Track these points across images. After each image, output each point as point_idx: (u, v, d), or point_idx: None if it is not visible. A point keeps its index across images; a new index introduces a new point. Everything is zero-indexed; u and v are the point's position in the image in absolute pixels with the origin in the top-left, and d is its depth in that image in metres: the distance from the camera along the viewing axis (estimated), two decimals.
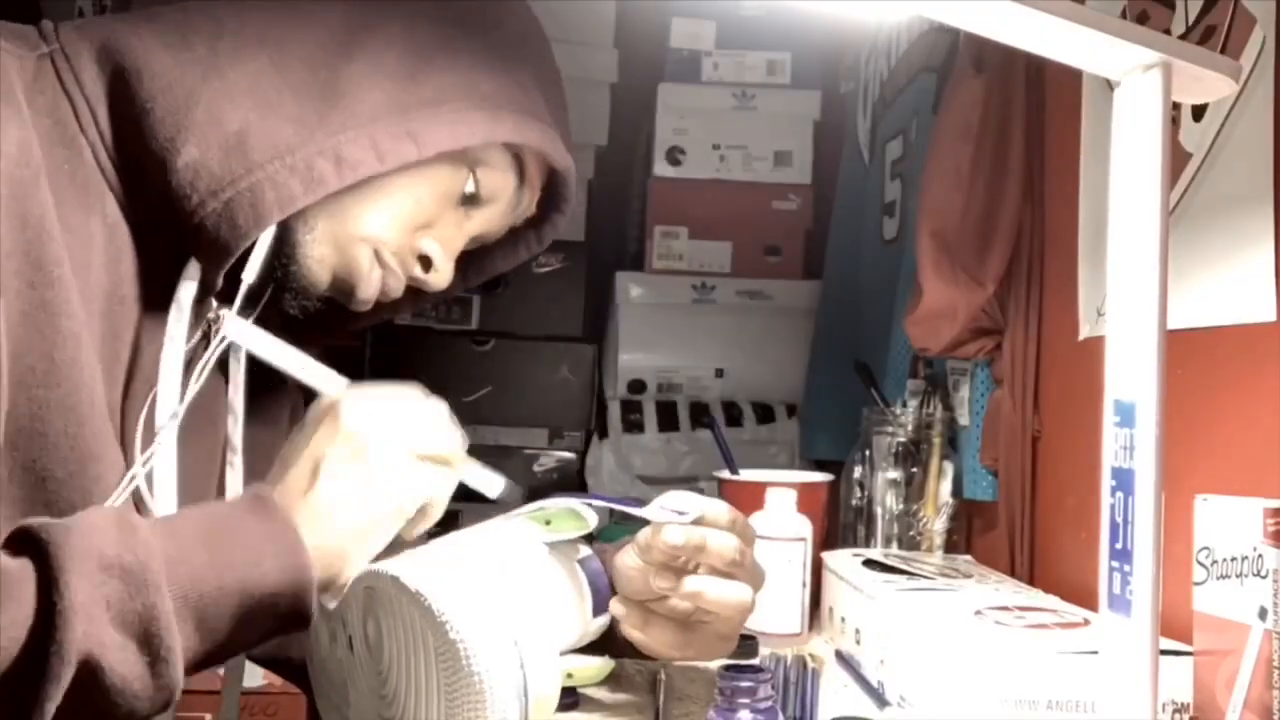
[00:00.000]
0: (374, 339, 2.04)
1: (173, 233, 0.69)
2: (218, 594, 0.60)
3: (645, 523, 0.79)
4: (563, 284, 2.07)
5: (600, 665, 0.85)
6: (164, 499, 0.70)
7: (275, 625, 0.63)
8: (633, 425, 1.97)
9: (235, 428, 0.77)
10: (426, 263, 0.79)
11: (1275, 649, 0.64)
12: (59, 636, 0.54)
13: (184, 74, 0.69)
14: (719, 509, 0.80)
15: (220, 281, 0.71)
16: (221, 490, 0.78)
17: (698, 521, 0.78)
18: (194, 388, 0.72)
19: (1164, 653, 0.73)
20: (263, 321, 0.76)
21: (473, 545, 0.74)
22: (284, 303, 0.76)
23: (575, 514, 0.79)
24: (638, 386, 1.98)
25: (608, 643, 0.85)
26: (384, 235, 0.76)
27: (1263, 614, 0.65)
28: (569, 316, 2.08)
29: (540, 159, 0.81)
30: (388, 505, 0.67)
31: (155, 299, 0.71)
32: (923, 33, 1.49)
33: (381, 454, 0.68)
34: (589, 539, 0.83)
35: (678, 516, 0.78)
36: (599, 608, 0.80)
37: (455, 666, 0.63)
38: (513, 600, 0.67)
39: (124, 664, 0.57)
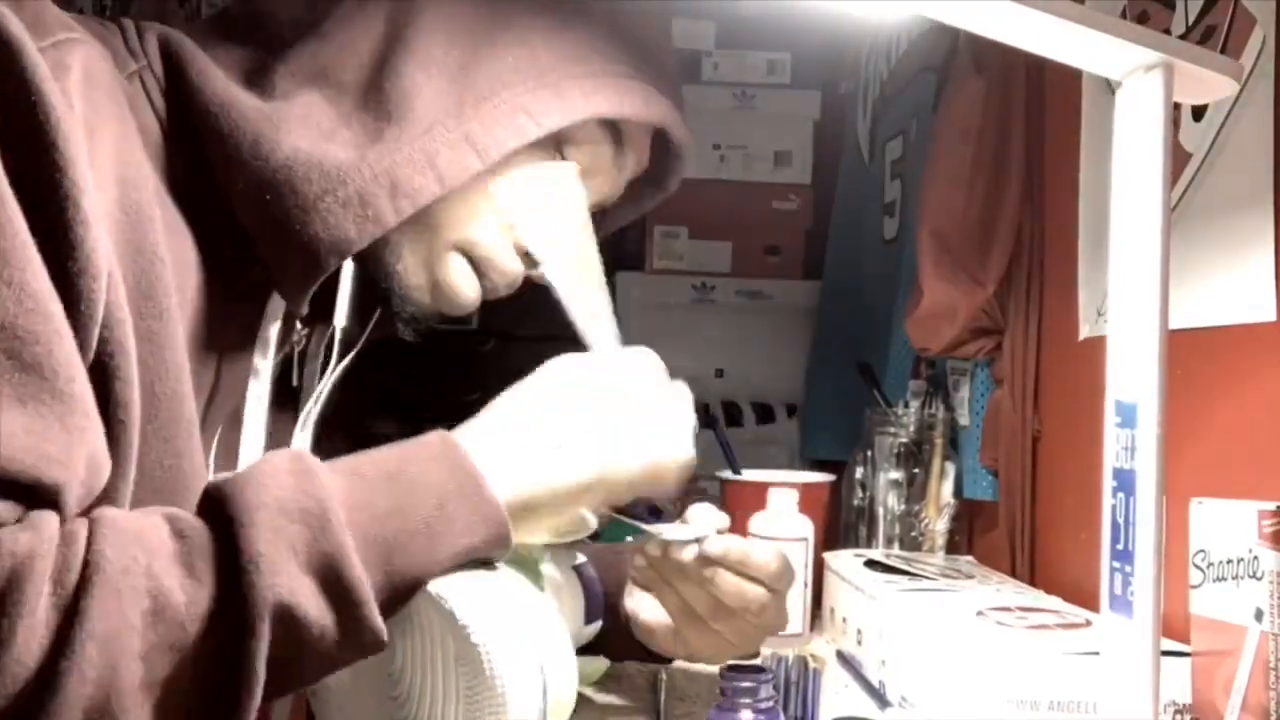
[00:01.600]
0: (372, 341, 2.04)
1: (245, 263, 0.67)
2: (405, 541, 0.58)
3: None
4: None
5: (596, 665, 0.85)
6: None
7: (466, 563, 0.61)
8: None
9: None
10: (531, 259, 0.74)
11: (1272, 650, 0.64)
12: (246, 589, 0.53)
13: (238, 101, 0.65)
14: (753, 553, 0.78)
15: (305, 311, 0.69)
16: None
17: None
18: (313, 406, 0.71)
19: (1165, 653, 0.73)
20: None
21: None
22: (399, 331, 0.74)
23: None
24: None
25: (605, 645, 0.85)
26: (475, 238, 0.71)
27: (1259, 616, 0.65)
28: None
29: (630, 115, 0.73)
30: (588, 472, 0.66)
31: (236, 327, 0.69)
32: (923, 33, 1.49)
33: (624, 394, 0.68)
34: (593, 537, 0.83)
35: (692, 538, 0.77)
36: (591, 615, 0.80)
37: (476, 671, 0.63)
38: (531, 605, 0.67)
39: (319, 610, 0.55)
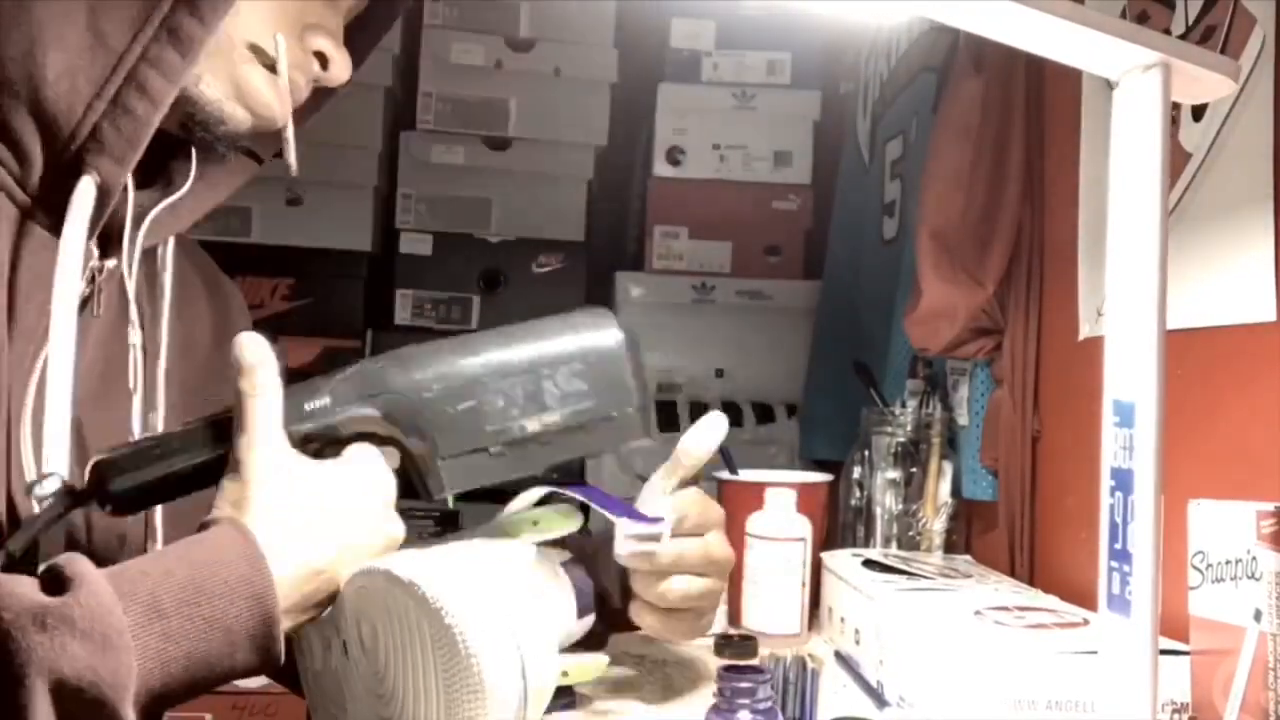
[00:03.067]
0: (373, 339, 2.04)
1: (30, 169, 0.66)
2: (182, 678, 0.57)
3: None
4: (563, 284, 2.08)
5: (595, 662, 0.85)
6: (57, 458, 0.65)
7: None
8: None
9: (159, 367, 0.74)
10: (323, 60, 0.76)
11: (1270, 651, 0.64)
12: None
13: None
14: (689, 513, 0.80)
15: (127, 181, 0.68)
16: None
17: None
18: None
19: (1163, 653, 0.73)
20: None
21: (462, 543, 0.74)
22: (215, 157, 0.74)
23: (562, 514, 0.79)
24: None
25: (603, 633, 0.85)
26: (264, 43, 0.73)
27: (1257, 616, 0.65)
28: None
29: None
30: (332, 551, 0.64)
31: (26, 245, 0.67)
32: (923, 33, 1.49)
33: (349, 515, 0.65)
34: (582, 531, 0.83)
35: (649, 533, 0.79)
36: (582, 610, 0.80)
37: (452, 653, 0.63)
38: (506, 588, 0.67)
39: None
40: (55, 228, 0.67)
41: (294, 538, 0.62)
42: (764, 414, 1.97)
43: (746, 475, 1.31)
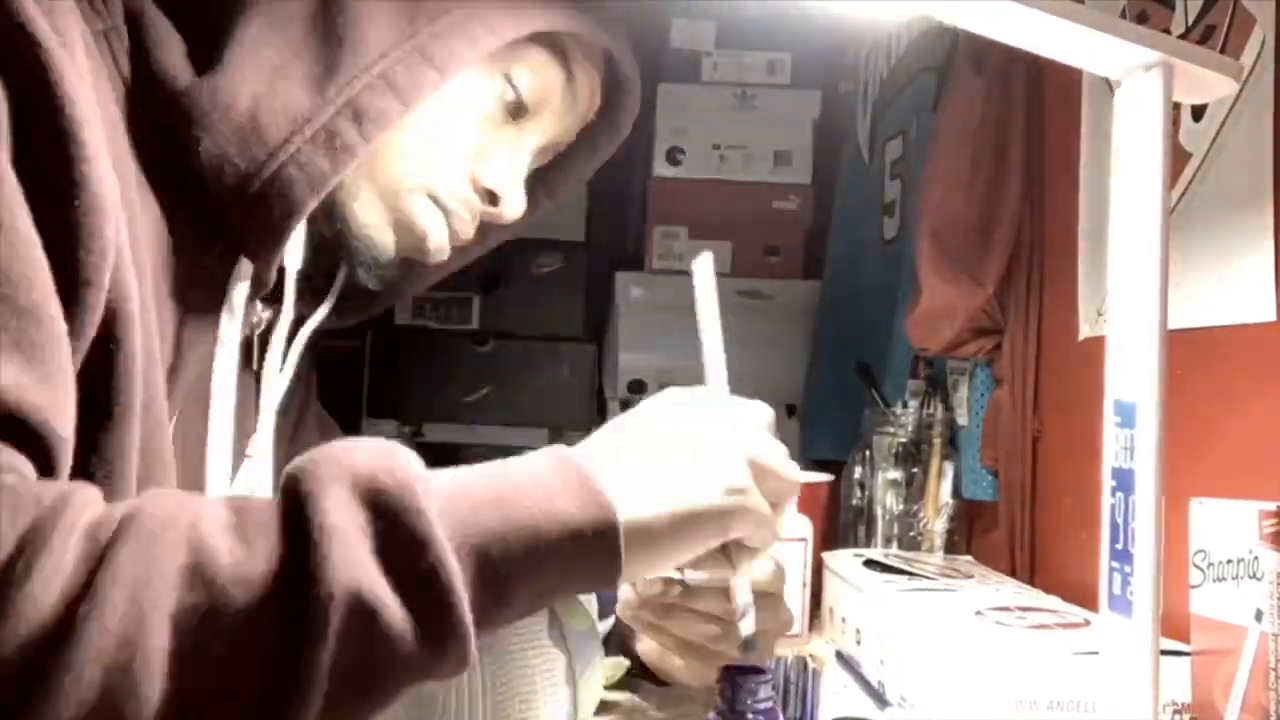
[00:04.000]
0: (373, 339, 2.04)
1: (205, 229, 0.65)
2: (503, 530, 0.48)
3: None
4: (563, 284, 2.08)
5: (616, 666, 0.85)
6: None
7: (578, 572, 0.51)
8: None
9: (267, 427, 0.74)
10: (492, 196, 0.73)
11: (1271, 651, 0.64)
12: (313, 567, 0.44)
13: (185, 60, 0.64)
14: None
15: (274, 276, 0.68)
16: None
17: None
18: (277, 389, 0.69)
19: (1164, 653, 0.73)
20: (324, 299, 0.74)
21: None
22: (360, 279, 0.72)
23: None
24: (638, 386, 1.98)
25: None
26: (433, 178, 0.70)
27: (1259, 616, 0.65)
28: (569, 316, 2.08)
29: (582, 41, 0.73)
30: (715, 498, 0.56)
31: (197, 297, 0.66)
32: (923, 32, 1.49)
33: (713, 439, 0.58)
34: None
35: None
36: (604, 611, 0.80)
37: (504, 659, 0.62)
38: None
39: (398, 606, 0.45)
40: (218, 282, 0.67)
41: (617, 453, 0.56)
42: None
43: None
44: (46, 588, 0.42)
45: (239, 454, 0.75)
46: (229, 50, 0.64)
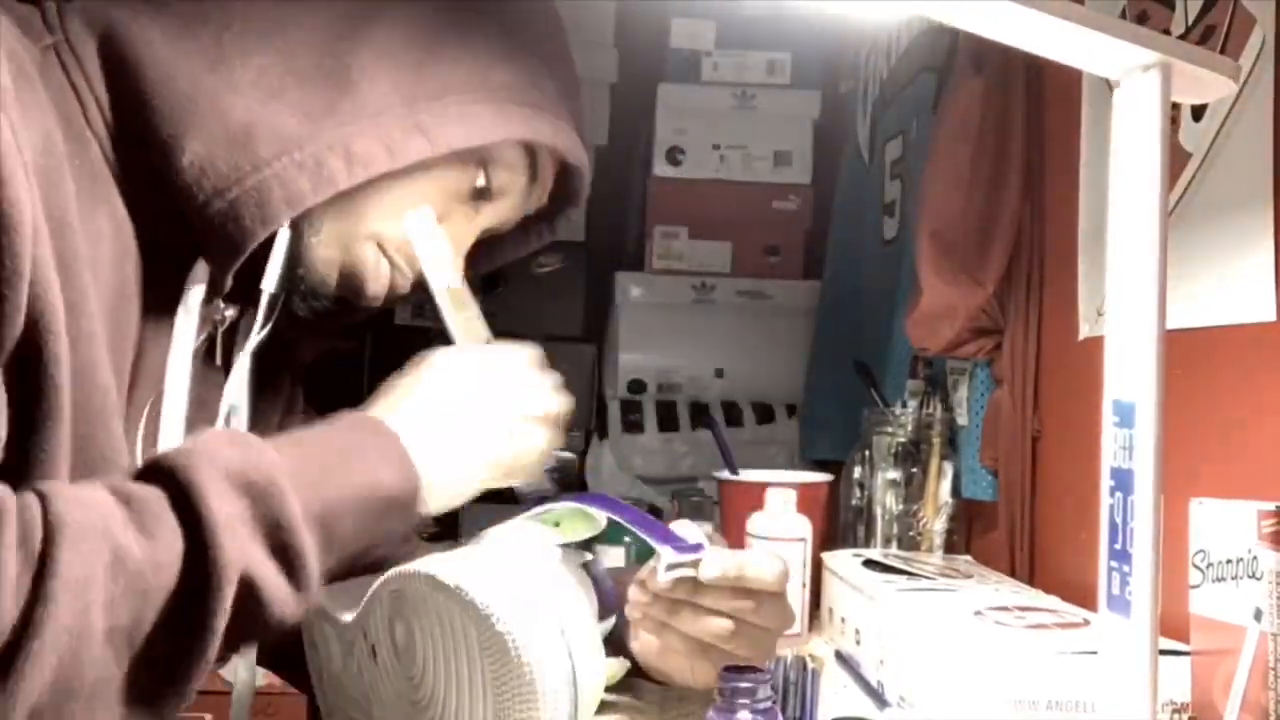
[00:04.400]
0: (374, 339, 2.04)
1: (177, 231, 0.67)
2: (339, 504, 0.61)
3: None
4: (563, 284, 2.08)
5: (619, 666, 0.84)
6: None
7: (389, 529, 0.65)
8: (633, 425, 1.97)
9: (240, 424, 0.76)
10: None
11: (1271, 650, 0.64)
12: (214, 555, 0.54)
13: (188, 65, 0.66)
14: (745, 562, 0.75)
15: (229, 282, 0.69)
16: None
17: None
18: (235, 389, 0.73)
19: (1163, 653, 0.73)
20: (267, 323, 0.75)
21: (495, 546, 0.73)
22: (293, 305, 0.74)
23: (585, 515, 0.78)
24: (638, 386, 1.98)
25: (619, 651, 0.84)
26: (390, 233, 0.74)
27: (1258, 615, 0.65)
28: (569, 316, 2.08)
29: (554, 152, 0.79)
30: (486, 446, 0.70)
31: (159, 298, 0.69)
32: (923, 32, 1.49)
33: (484, 397, 0.71)
34: (591, 542, 0.82)
35: (689, 560, 0.74)
36: (605, 612, 0.80)
37: (503, 659, 0.62)
38: (553, 592, 0.66)
39: (272, 576, 0.57)
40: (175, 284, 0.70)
41: (410, 412, 0.69)
42: (764, 414, 1.97)
43: (746, 475, 1.31)
44: (3, 604, 0.50)
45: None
46: (234, 65, 0.67)
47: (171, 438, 0.69)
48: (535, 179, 0.80)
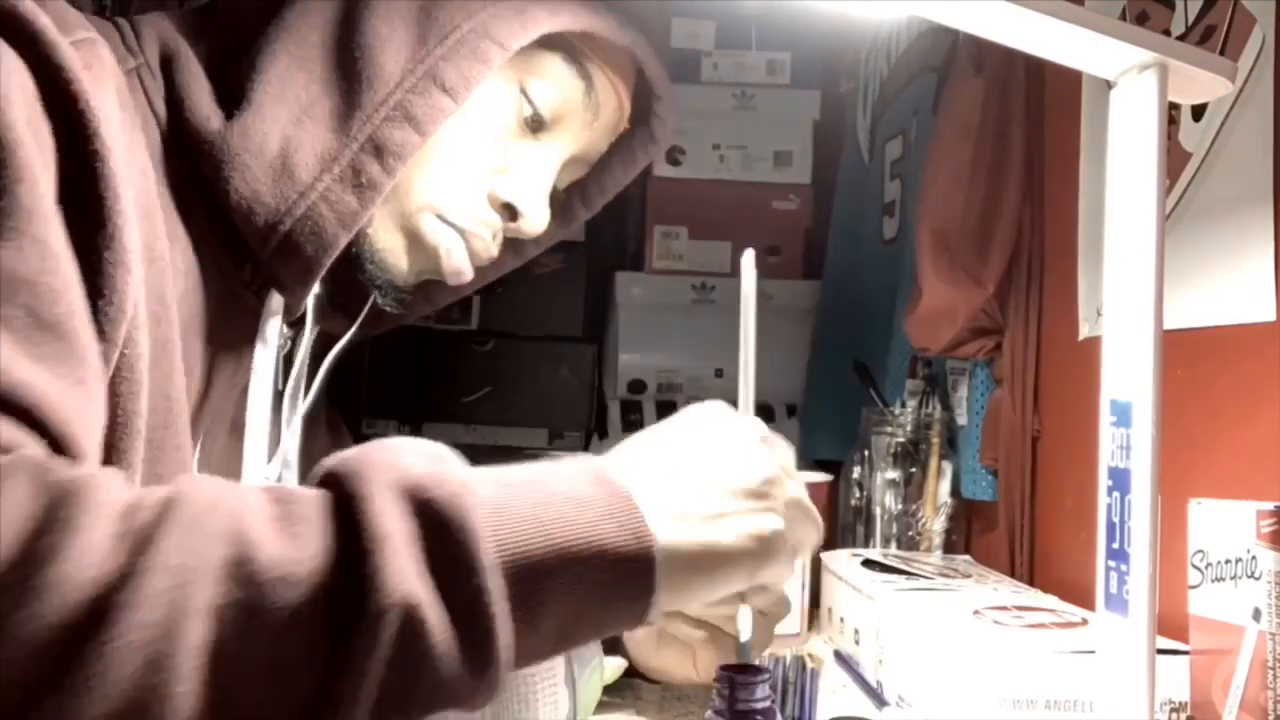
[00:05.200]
0: (373, 339, 2.04)
1: (239, 266, 0.67)
2: (545, 554, 0.45)
3: None
4: (563, 284, 2.07)
5: (615, 666, 0.84)
6: None
7: (610, 601, 0.48)
8: (633, 425, 1.97)
9: (293, 446, 0.75)
10: (512, 210, 0.72)
11: (1270, 650, 0.64)
12: (370, 575, 0.41)
13: (216, 105, 0.65)
14: None
15: (303, 307, 0.69)
16: None
17: None
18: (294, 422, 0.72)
19: (1162, 652, 0.73)
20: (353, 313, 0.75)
21: None
22: (379, 303, 0.73)
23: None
24: (638, 386, 1.98)
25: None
26: (447, 199, 0.70)
27: (1257, 615, 0.65)
28: (569, 316, 2.08)
29: (596, 43, 0.72)
30: (743, 539, 0.53)
31: (225, 331, 0.67)
32: (922, 32, 1.49)
33: (768, 477, 0.56)
34: None
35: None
36: None
37: None
38: None
39: (445, 625, 0.42)
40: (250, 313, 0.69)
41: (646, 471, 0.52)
42: (764, 414, 1.97)
43: None
44: (78, 569, 0.38)
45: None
46: (258, 89, 0.65)
47: (256, 468, 0.68)
48: (593, 83, 0.73)
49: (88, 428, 0.48)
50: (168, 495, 0.42)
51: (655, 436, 0.56)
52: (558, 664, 0.63)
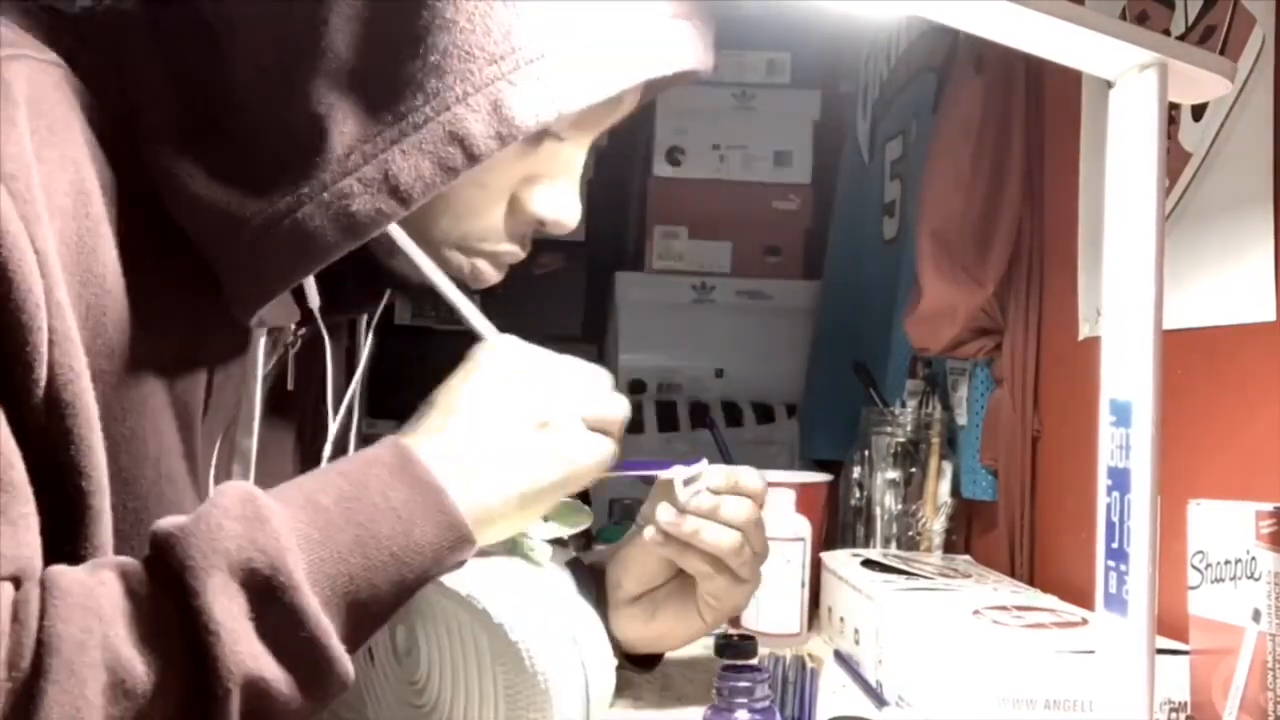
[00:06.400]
0: (374, 339, 2.04)
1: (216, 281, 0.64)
2: (368, 572, 0.54)
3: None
4: (563, 284, 2.08)
5: (575, 510, 0.85)
6: None
7: (432, 578, 0.58)
8: (633, 425, 1.96)
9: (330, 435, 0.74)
10: (542, 221, 0.70)
11: (1269, 651, 0.64)
12: (211, 663, 0.50)
13: (185, 111, 0.60)
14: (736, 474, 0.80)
15: (294, 314, 0.67)
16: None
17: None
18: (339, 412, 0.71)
19: (1162, 652, 0.73)
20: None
21: (494, 550, 0.73)
22: (404, 297, 0.73)
23: (574, 508, 0.79)
24: (638, 386, 1.98)
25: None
26: (464, 233, 0.68)
27: (1256, 616, 0.65)
28: (569, 316, 2.08)
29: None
30: (554, 469, 0.61)
31: (220, 343, 0.65)
32: (922, 33, 1.49)
33: (550, 409, 0.62)
34: (586, 535, 0.83)
35: (696, 474, 0.79)
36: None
37: (517, 669, 0.61)
38: (563, 599, 0.66)
39: (284, 676, 0.52)
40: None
41: (447, 447, 0.60)
42: (764, 414, 1.98)
43: None
44: None
45: (309, 458, 0.76)
46: (237, 88, 0.60)
47: (244, 474, 0.67)
48: (620, 98, 0.67)
49: (25, 557, 0.52)
50: (43, 635, 0.49)
51: (450, 399, 0.63)
52: (575, 673, 0.63)
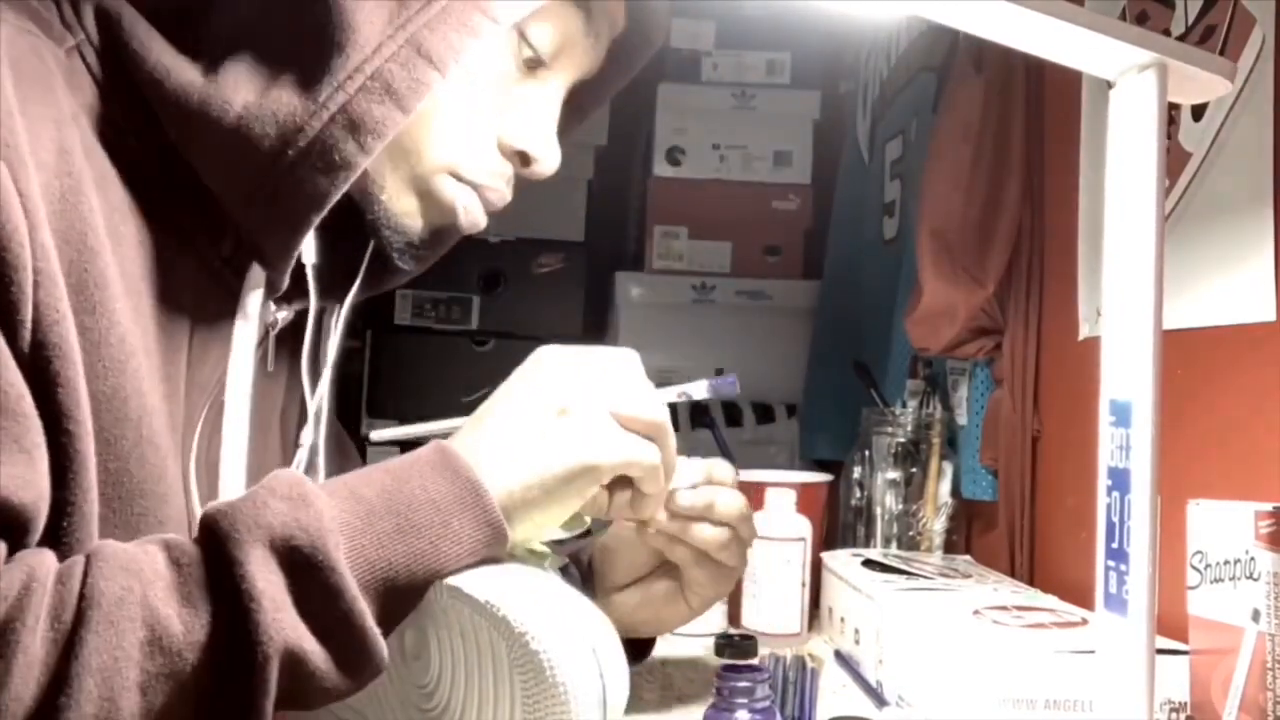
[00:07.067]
0: (374, 339, 2.04)
1: (221, 234, 0.65)
2: (408, 561, 0.56)
3: None
4: (563, 284, 2.08)
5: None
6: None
7: (468, 567, 0.59)
8: None
9: (319, 430, 0.75)
10: (524, 156, 0.71)
11: (1269, 651, 0.64)
12: (251, 629, 0.51)
13: (184, 70, 0.61)
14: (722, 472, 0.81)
15: (287, 280, 0.67)
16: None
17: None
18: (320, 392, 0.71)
19: (1162, 652, 0.73)
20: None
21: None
22: (394, 263, 0.71)
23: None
24: None
25: None
26: (458, 157, 0.68)
27: (1256, 616, 0.65)
28: (569, 316, 2.08)
29: None
30: (566, 456, 0.62)
31: (206, 305, 0.66)
32: (922, 32, 1.49)
33: (571, 397, 0.63)
34: (586, 536, 0.83)
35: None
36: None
37: (537, 678, 0.61)
38: (581, 607, 0.66)
39: (321, 650, 0.53)
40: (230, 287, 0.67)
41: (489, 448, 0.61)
42: (764, 414, 1.98)
43: (746, 475, 1.31)
44: (25, 686, 0.48)
45: (286, 448, 0.77)
46: (214, 45, 0.62)
47: (235, 452, 0.67)
48: (591, 15, 0.71)
49: (37, 486, 0.54)
50: (85, 590, 0.50)
51: (490, 399, 0.65)
52: (594, 684, 0.63)
